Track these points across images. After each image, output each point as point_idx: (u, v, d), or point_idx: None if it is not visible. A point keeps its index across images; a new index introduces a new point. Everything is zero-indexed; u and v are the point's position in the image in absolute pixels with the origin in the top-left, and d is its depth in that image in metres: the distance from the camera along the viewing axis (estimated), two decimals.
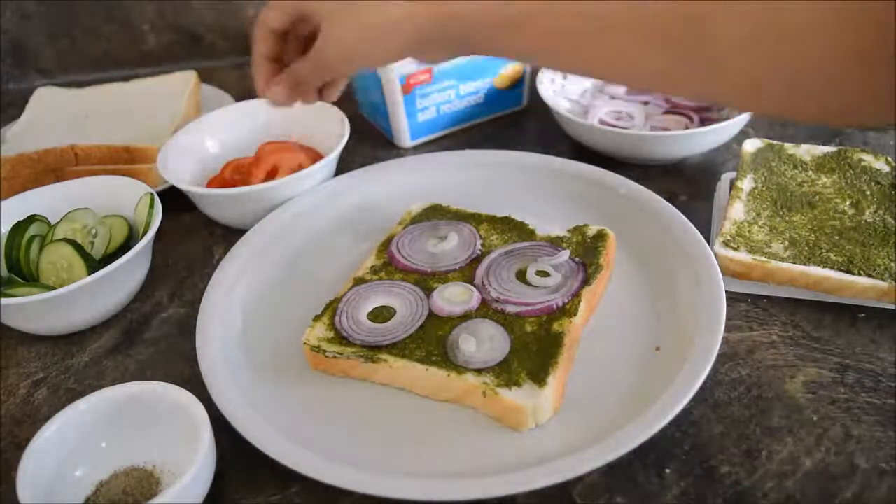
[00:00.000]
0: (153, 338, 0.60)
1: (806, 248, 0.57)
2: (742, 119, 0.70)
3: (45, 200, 0.66)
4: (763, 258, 0.56)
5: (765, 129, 0.79)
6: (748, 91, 0.42)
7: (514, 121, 0.87)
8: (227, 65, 1.10)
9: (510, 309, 0.53)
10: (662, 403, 0.45)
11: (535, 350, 0.49)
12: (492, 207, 0.64)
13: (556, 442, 0.46)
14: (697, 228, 0.58)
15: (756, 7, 0.38)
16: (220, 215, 0.69)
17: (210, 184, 0.72)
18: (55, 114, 0.87)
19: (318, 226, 0.67)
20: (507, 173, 0.70)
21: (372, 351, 0.50)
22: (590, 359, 0.51)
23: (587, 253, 0.57)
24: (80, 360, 0.58)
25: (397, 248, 0.59)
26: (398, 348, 0.50)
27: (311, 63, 0.55)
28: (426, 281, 0.56)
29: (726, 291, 0.52)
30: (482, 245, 0.59)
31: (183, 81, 0.89)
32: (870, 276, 0.54)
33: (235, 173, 0.72)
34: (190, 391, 0.46)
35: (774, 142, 0.69)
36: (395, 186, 0.70)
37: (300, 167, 0.69)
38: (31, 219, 0.63)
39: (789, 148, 0.68)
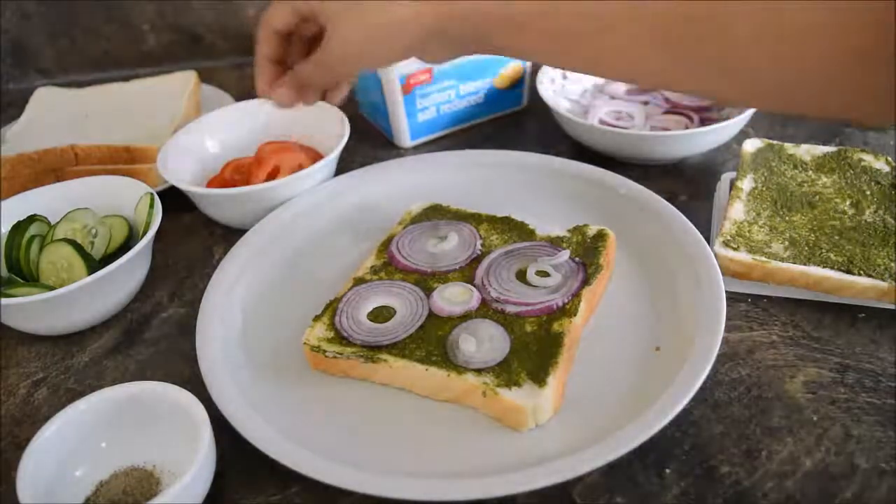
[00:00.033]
0: (153, 338, 0.60)
1: (806, 248, 0.57)
2: (742, 119, 0.70)
3: (45, 200, 0.66)
4: (763, 258, 0.56)
5: (765, 129, 0.79)
6: (748, 89, 0.42)
7: (514, 121, 0.87)
8: (227, 65, 1.10)
9: (510, 309, 0.53)
10: (662, 403, 0.45)
11: (535, 350, 0.49)
12: (492, 207, 0.64)
13: (556, 442, 0.46)
14: (697, 228, 0.58)
15: (756, 7, 0.38)
16: (220, 215, 0.69)
17: (210, 184, 0.72)
18: (55, 114, 0.87)
19: (318, 226, 0.67)
20: (507, 173, 0.70)
21: (372, 351, 0.50)
22: (590, 359, 0.51)
23: (587, 253, 0.57)
24: (80, 360, 0.58)
25: (397, 248, 0.59)
26: (398, 348, 0.50)
27: (317, 64, 0.55)
28: (426, 281, 0.56)
29: (726, 291, 0.52)
30: (482, 245, 0.59)
31: (183, 81, 0.89)
32: (870, 276, 0.54)
33: (235, 173, 0.72)
34: (190, 391, 0.46)
35: (774, 142, 0.69)
36: (395, 186, 0.70)
37: (300, 167, 0.69)
38: (31, 219, 0.63)
39: (789, 148, 0.68)
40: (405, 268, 0.58)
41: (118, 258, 0.57)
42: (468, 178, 0.70)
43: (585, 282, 0.54)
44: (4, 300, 0.54)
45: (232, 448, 0.47)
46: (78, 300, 0.56)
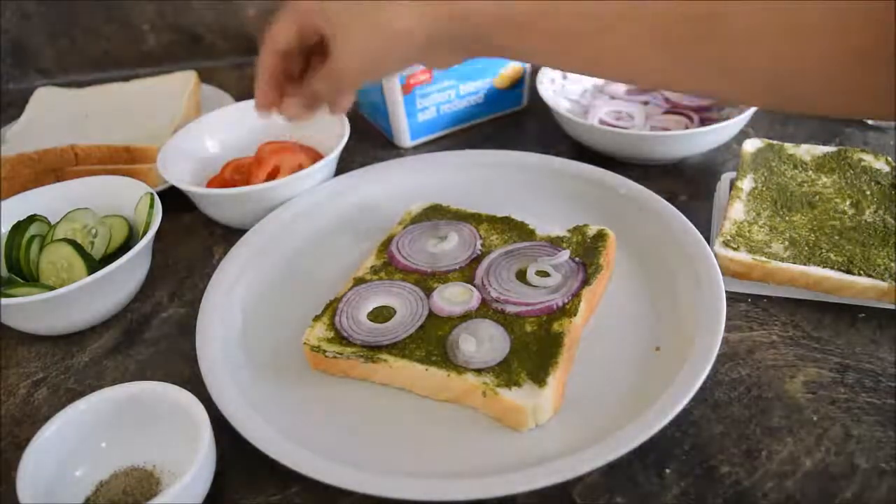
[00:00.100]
0: (153, 338, 0.60)
1: (806, 248, 0.57)
2: (742, 119, 0.70)
3: (45, 200, 0.66)
4: (763, 258, 0.56)
5: (765, 129, 0.79)
6: (748, 89, 0.42)
7: (514, 121, 0.87)
8: (227, 65, 1.10)
9: (510, 309, 0.53)
10: (662, 403, 0.45)
11: (535, 350, 0.49)
12: (492, 207, 0.64)
13: (556, 442, 0.46)
14: (697, 228, 0.58)
15: (756, 7, 0.38)
16: (220, 215, 0.69)
17: (210, 184, 0.72)
18: (55, 114, 0.87)
19: (318, 226, 0.67)
20: (507, 173, 0.70)
21: (372, 351, 0.50)
22: (590, 359, 0.51)
23: (587, 253, 0.57)
24: (80, 360, 0.58)
25: (397, 248, 0.59)
26: (398, 348, 0.50)
27: (325, 78, 0.56)
28: (426, 281, 0.56)
29: (726, 291, 0.52)
30: (482, 245, 0.59)
31: (183, 81, 0.89)
32: (870, 276, 0.54)
33: (235, 173, 0.72)
34: (190, 391, 0.46)
35: (774, 142, 0.69)
36: (395, 186, 0.70)
37: (300, 167, 0.69)
38: (31, 219, 0.63)
39: (789, 148, 0.68)
40: (405, 268, 0.58)
41: (118, 258, 0.57)
42: (468, 178, 0.70)
43: (585, 282, 0.54)
44: (4, 300, 0.54)
45: (232, 448, 0.47)
46: (78, 300, 0.56)
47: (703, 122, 0.76)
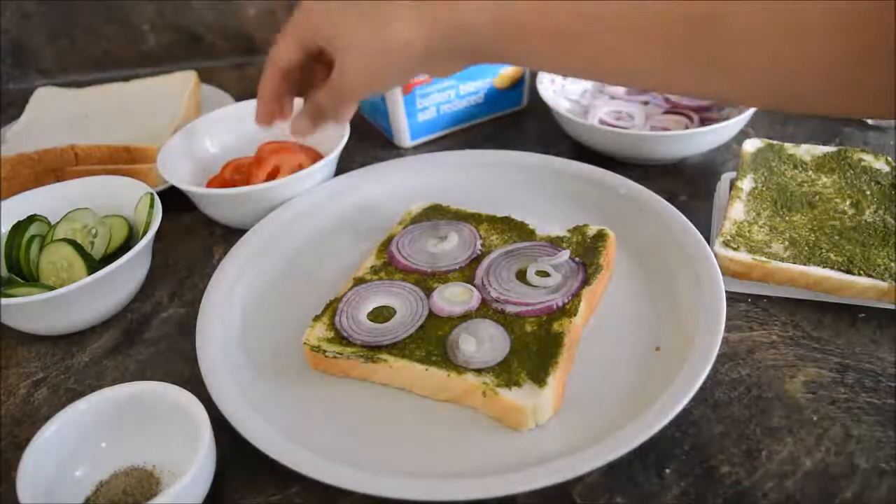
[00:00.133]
0: (153, 338, 0.60)
1: (806, 248, 0.57)
2: (742, 119, 0.70)
3: (45, 200, 0.66)
4: (763, 258, 0.56)
5: (765, 129, 0.79)
6: (748, 89, 0.42)
7: (514, 121, 0.87)
8: (227, 65, 1.10)
9: (510, 309, 0.53)
10: (662, 403, 0.45)
11: (535, 350, 0.49)
12: (492, 207, 0.64)
13: (556, 442, 0.46)
14: (697, 228, 0.58)
15: (756, 7, 0.38)
16: (220, 215, 0.69)
17: (210, 184, 0.72)
18: (55, 114, 0.87)
19: (318, 226, 0.67)
20: (507, 173, 0.70)
21: (372, 351, 0.50)
22: (590, 359, 0.51)
23: (587, 253, 0.57)
24: (80, 360, 0.58)
25: (397, 248, 0.59)
26: (398, 348, 0.50)
27: (329, 93, 0.57)
28: (426, 281, 0.56)
29: (726, 291, 0.52)
30: (482, 245, 0.59)
31: (183, 81, 0.89)
32: (870, 276, 0.54)
33: (235, 173, 0.72)
34: (190, 391, 0.46)
35: (774, 142, 0.69)
36: (395, 186, 0.70)
37: (300, 167, 0.69)
38: (31, 219, 0.63)
39: (789, 148, 0.68)
40: (405, 268, 0.58)
41: (118, 258, 0.57)
42: (468, 178, 0.70)
43: (585, 282, 0.54)
44: (4, 300, 0.54)
45: (232, 448, 0.47)
46: (78, 300, 0.56)
47: (703, 122, 0.76)
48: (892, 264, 0.54)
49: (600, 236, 0.58)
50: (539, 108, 0.81)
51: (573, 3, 0.44)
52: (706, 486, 0.44)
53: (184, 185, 0.66)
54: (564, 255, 0.56)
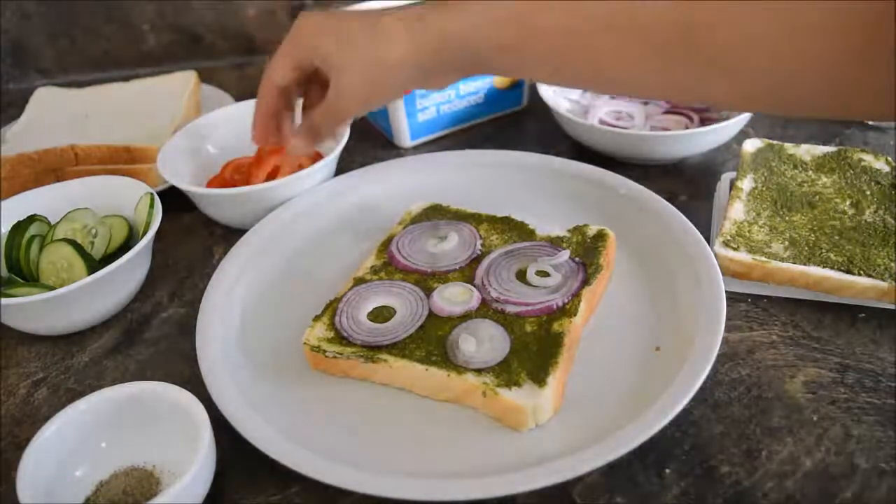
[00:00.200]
0: (153, 338, 0.60)
1: (806, 248, 0.57)
2: (742, 119, 0.70)
3: (45, 200, 0.66)
4: (763, 258, 0.56)
5: (765, 129, 0.79)
6: (748, 89, 0.42)
7: (514, 121, 0.87)
8: (227, 65, 1.10)
9: (510, 309, 0.53)
10: (662, 403, 0.45)
11: (535, 350, 0.49)
12: (492, 207, 0.64)
13: (556, 442, 0.46)
14: (697, 228, 0.58)
15: (756, 7, 0.38)
16: (220, 215, 0.69)
17: (210, 184, 0.72)
18: (55, 114, 0.87)
19: (318, 226, 0.67)
20: (507, 173, 0.70)
21: (372, 351, 0.50)
22: (590, 359, 0.51)
23: (587, 253, 0.57)
24: (80, 360, 0.58)
25: (397, 248, 0.59)
26: (398, 348, 0.50)
27: (326, 111, 0.57)
28: (426, 281, 0.56)
29: (726, 291, 0.52)
30: (482, 245, 0.59)
31: (183, 81, 0.89)
32: (870, 276, 0.54)
33: (235, 173, 0.72)
34: (190, 391, 0.46)
35: (774, 142, 0.69)
36: (395, 186, 0.70)
37: (300, 167, 0.69)
38: (31, 219, 0.63)
39: (789, 148, 0.68)
40: (405, 268, 0.58)
41: (118, 258, 0.57)
42: (468, 178, 0.70)
43: (585, 282, 0.54)
44: (4, 300, 0.54)
45: (232, 448, 0.47)
46: (78, 300, 0.56)
47: (703, 122, 0.76)
48: (892, 264, 0.54)
49: (600, 236, 0.58)
50: (539, 108, 0.81)
51: (565, 15, 0.45)
52: (706, 486, 0.44)
53: (184, 185, 0.66)
54: (564, 255, 0.56)
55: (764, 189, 0.63)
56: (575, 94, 0.83)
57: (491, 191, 0.69)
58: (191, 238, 0.71)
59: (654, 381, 0.47)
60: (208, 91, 0.94)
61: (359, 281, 0.57)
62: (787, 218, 0.60)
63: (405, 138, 0.82)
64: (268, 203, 0.67)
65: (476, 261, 0.58)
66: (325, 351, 0.51)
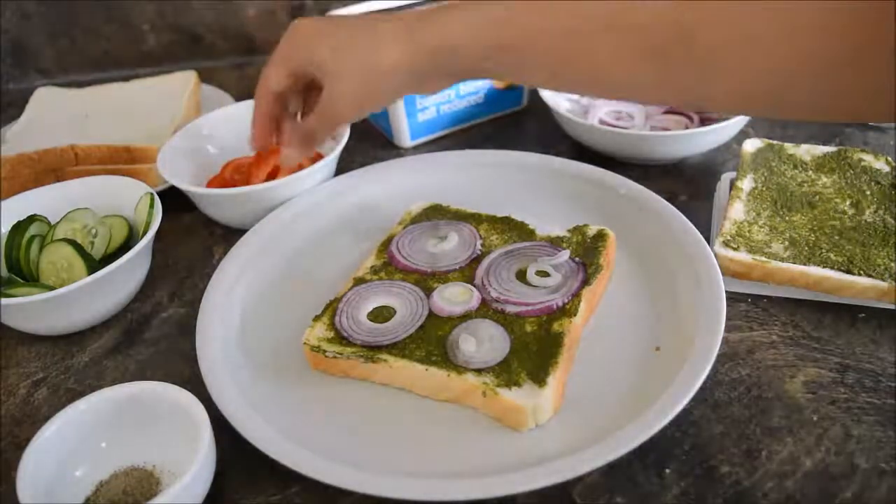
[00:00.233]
0: (153, 338, 0.60)
1: (806, 248, 0.57)
2: (742, 119, 0.71)
3: (45, 200, 0.66)
4: (763, 258, 0.56)
5: (765, 129, 0.79)
6: (747, 90, 0.42)
7: (514, 121, 0.87)
8: (227, 65, 1.10)
9: (510, 309, 0.53)
10: (662, 403, 0.45)
11: (535, 350, 0.49)
12: (492, 207, 0.64)
13: (556, 442, 0.46)
14: (697, 228, 0.58)
15: (756, 7, 0.38)
16: (220, 215, 0.69)
17: (210, 184, 0.72)
18: (55, 114, 0.87)
19: (318, 226, 0.67)
20: (507, 173, 0.70)
21: (372, 351, 0.50)
22: (590, 359, 0.51)
23: (587, 253, 0.57)
24: (80, 360, 0.58)
25: (397, 248, 0.59)
26: (398, 348, 0.50)
27: (319, 117, 0.58)
28: (426, 281, 0.56)
29: (726, 291, 0.52)
30: (482, 245, 0.59)
31: (183, 81, 0.89)
32: (870, 276, 0.54)
33: (235, 173, 0.72)
34: (190, 391, 0.46)
35: (774, 142, 0.69)
36: (395, 186, 0.70)
37: (300, 167, 0.69)
38: (31, 219, 0.63)
39: (789, 148, 0.68)
40: (405, 268, 0.58)
41: (118, 258, 0.57)
42: (468, 178, 0.70)
43: (585, 282, 0.54)
44: (4, 300, 0.54)
45: (232, 448, 0.47)
46: (78, 300, 0.56)
47: (703, 122, 0.76)
48: (892, 264, 0.54)
49: (600, 236, 0.58)
50: (539, 108, 0.81)
51: (562, 16, 0.45)
52: (706, 486, 0.44)
53: (184, 185, 0.66)
54: (564, 255, 0.56)
55: (764, 189, 0.63)
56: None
57: (491, 191, 0.69)
58: (191, 238, 0.71)
59: (654, 381, 0.47)
60: (208, 91, 0.94)
61: (359, 281, 0.57)
62: (787, 218, 0.60)
63: (405, 138, 0.82)
64: (268, 203, 0.67)
65: (476, 261, 0.58)
66: (325, 351, 0.51)
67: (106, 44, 1.10)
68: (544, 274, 0.55)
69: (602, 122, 0.77)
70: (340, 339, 0.52)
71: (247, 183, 0.68)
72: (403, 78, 0.52)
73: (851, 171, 0.65)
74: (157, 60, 1.10)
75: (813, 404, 0.48)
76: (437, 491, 0.42)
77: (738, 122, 0.70)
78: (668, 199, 0.62)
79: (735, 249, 0.57)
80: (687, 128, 0.74)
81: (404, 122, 0.80)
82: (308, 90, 0.62)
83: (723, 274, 0.54)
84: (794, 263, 0.55)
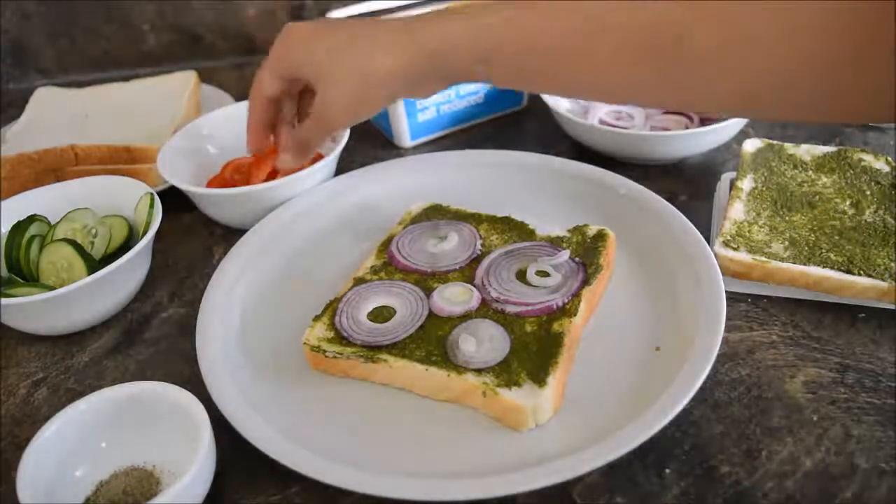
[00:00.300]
0: (153, 338, 0.60)
1: (806, 248, 0.57)
2: (742, 119, 0.70)
3: (45, 200, 0.66)
4: (763, 258, 0.56)
5: (765, 129, 0.79)
6: (746, 91, 0.42)
7: (514, 121, 0.87)
8: (227, 65, 1.10)
9: (510, 309, 0.53)
10: (662, 403, 0.45)
11: (535, 350, 0.49)
12: (492, 207, 0.64)
13: (556, 442, 0.46)
14: (697, 228, 0.58)
15: (756, 7, 0.38)
16: (220, 215, 0.69)
17: (210, 184, 0.72)
18: (55, 114, 0.87)
19: (318, 226, 0.67)
20: (507, 173, 0.70)
21: (372, 351, 0.50)
22: (590, 359, 0.51)
23: (587, 253, 0.57)
24: (80, 360, 0.58)
25: (397, 248, 0.59)
26: (398, 348, 0.50)
27: (313, 123, 0.59)
28: (426, 281, 0.56)
29: (726, 291, 0.52)
30: (482, 245, 0.59)
31: (183, 81, 0.89)
32: (870, 276, 0.54)
33: (235, 173, 0.72)
34: (190, 391, 0.46)
35: (774, 142, 0.69)
36: (395, 186, 0.70)
37: (300, 167, 0.69)
38: (31, 219, 0.63)
39: (789, 148, 0.68)
40: (405, 268, 0.58)
41: (118, 258, 0.57)
42: (468, 178, 0.70)
43: (585, 282, 0.54)
44: (4, 300, 0.54)
45: (232, 448, 0.47)
46: (78, 300, 0.56)
47: (703, 122, 0.76)
48: (892, 264, 0.54)
49: (600, 236, 0.58)
50: (539, 108, 0.81)
51: (560, 17, 0.45)
52: (706, 486, 0.44)
53: (184, 185, 0.66)
54: (564, 255, 0.56)
55: (764, 189, 0.63)
56: None
57: (491, 191, 0.69)
58: (191, 238, 0.71)
59: (654, 381, 0.47)
60: (208, 91, 0.94)
61: (359, 281, 0.57)
62: (787, 218, 0.60)
63: (405, 138, 0.82)
64: (268, 203, 0.67)
65: (476, 261, 0.58)
66: (325, 351, 0.51)
67: (106, 44, 1.10)
68: (544, 274, 0.55)
69: (602, 122, 0.77)
70: (340, 339, 0.52)
71: (247, 183, 0.68)
72: (397, 84, 0.53)
73: (851, 171, 0.65)
74: (157, 60, 1.10)
75: (813, 404, 0.48)
76: (437, 491, 0.42)
77: (738, 122, 0.70)
78: (668, 199, 0.62)
79: (735, 249, 0.57)
80: (687, 128, 0.74)
81: (404, 122, 0.80)
82: (303, 95, 0.62)
83: (723, 274, 0.54)
84: (794, 263, 0.55)
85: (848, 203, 0.61)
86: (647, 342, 0.52)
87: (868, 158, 0.66)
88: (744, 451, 0.46)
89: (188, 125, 0.76)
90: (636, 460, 0.46)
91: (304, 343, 0.52)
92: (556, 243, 0.58)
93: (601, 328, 0.54)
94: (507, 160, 0.71)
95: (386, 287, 0.56)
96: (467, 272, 0.57)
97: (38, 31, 1.08)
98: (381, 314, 0.54)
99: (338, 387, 0.52)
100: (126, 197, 0.66)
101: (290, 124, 0.65)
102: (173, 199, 0.69)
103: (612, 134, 0.71)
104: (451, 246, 0.59)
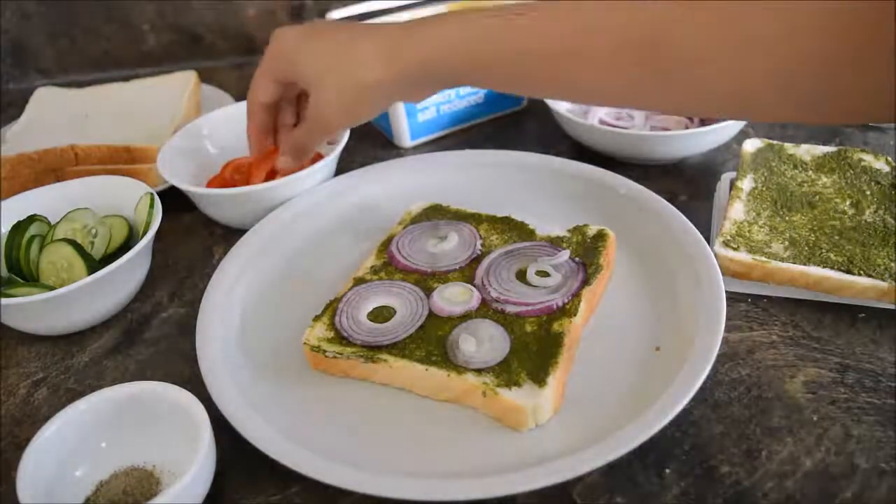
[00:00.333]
0: (153, 338, 0.60)
1: (806, 248, 0.57)
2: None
3: (45, 200, 0.66)
4: (763, 258, 0.56)
5: (765, 129, 0.79)
6: (745, 92, 0.42)
7: (514, 121, 0.87)
8: (227, 65, 1.10)
9: (510, 309, 0.53)
10: (662, 403, 0.45)
11: (535, 350, 0.49)
12: (492, 207, 0.64)
13: (556, 442, 0.46)
14: (697, 228, 0.58)
15: (756, 7, 0.38)
16: (220, 215, 0.69)
17: (210, 184, 0.72)
18: (55, 114, 0.87)
19: (318, 226, 0.67)
20: (507, 173, 0.70)
21: (372, 351, 0.50)
22: (590, 359, 0.51)
23: (587, 253, 0.57)
24: (80, 360, 0.58)
25: (397, 248, 0.59)
26: (398, 348, 0.50)
27: (307, 127, 0.60)
28: (426, 281, 0.56)
29: (726, 291, 0.52)
30: (482, 245, 0.59)
31: (183, 81, 0.89)
32: (870, 276, 0.54)
33: (235, 173, 0.72)
34: (190, 391, 0.46)
35: (774, 142, 0.69)
36: (395, 186, 0.70)
37: (300, 167, 0.69)
38: (31, 219, 0.63)
39: (789, 148, 0.68)
40: (405, 268, 0.58)
41: (118, 258, 0.57)
42: (468, 178, 0.70)
43: (585, 282, 0.54)
44: (4, 300, 0.54)
45: (232, 448, 0.47)
46: (78, 300, 0.56)
47: (703, 122, 0.76)
48: (892, 264, 0.54)
49: (600, 236, 0.58)
50: (539, 108, 0.82)
51: (556, 21, 0.45)
52: (706, 486, 0.44)
53: (184, 185, 0.66)
54: (564, 255, 0.56)
55: (764, 189, 0.63)
56: None
57: (491, 191, 0.69)
58: (191, 238, 0.71)
59: (654, 381, 0.47)
60: (208, 91, 0.94)
61: (359, 281, 0.57)
62: (787, 218, 0.60)
63: (405, 138, 0.82)
64: (268, 203, 0.67)
65: (476, 261, 0.58)
66: (325, 351, 0.51)
67: (106, 44, 1.10)
68: (544, 274, 0.55)
69: (602, 122, 0.77)
70: (340, 339, 0.52)
71: (247, 183, 0.68)
72: (387, 90, 0.54)
73: (851, 171, 0.65)
74: (157, 60, 1.10)
75: (813, 404, 0.48)
76: (437, 491, 0.42)
77: (737, 122, 0.70)
78: (668, 199, 0.62)
79: (735, 249, 0.57)
80: (687, 128, 0.74)
81: (404, 122, 0.80)
82: (301, 97, 0.62)
83: (723, 274, 0.54)
84: (794, 263, 0.55)
85: (848, 203, 0.61)
86: (647, 342, 0.52)
87: (868, 158, 0.66)
88: (744, 451, 0.46)
89: (188, 125, 0.76)
90: (636, 460, 0.46)
91: (304, 343, 0.52)
92: (556, 243, 0.58)
93: (601, 328, 0.54)
94: (507, 160, 0.71)
95: (386, 287, 0.56)
96: (467, 272, 0.57)
97: (38, 31, 1.08)
98: (381, 314, 0.54)
99: (338, 387, 0.52)
100: (126, 197, 0.66)
101: (290, 127, 0.65)
102: (173, 199, 0.69)
103: (612, 134, 0.71)
104: (451, 246, 0.59)
